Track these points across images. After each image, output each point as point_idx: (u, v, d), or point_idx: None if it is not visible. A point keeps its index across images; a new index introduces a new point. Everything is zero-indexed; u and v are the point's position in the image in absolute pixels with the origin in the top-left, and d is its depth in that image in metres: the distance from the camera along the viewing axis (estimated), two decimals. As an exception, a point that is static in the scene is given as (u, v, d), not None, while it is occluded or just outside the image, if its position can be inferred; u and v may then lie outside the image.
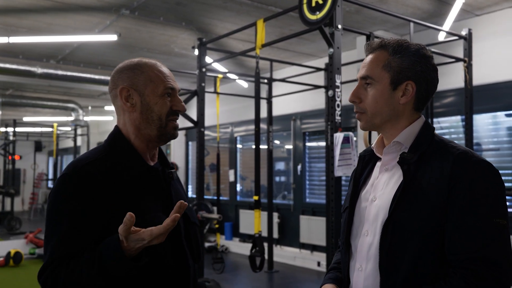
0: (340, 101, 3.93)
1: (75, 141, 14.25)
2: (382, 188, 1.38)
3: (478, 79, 5.62)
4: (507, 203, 1.31)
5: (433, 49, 5.16)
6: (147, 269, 1.34)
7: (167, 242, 1.34)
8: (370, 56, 1.43)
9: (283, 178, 9.37)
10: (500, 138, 5.93)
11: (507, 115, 5.84)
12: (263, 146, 7.41)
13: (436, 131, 1.43)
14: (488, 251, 1.20)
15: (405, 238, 1.27)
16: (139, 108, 1.47)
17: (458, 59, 5.32)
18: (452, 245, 1.24)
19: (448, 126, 6.43)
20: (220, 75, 6.32)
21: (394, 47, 1.39)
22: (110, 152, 1.46)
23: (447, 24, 5.48)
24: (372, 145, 1.50)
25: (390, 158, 1.41)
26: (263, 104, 6.97)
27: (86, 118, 12.75)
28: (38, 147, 16.35)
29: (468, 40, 5.33)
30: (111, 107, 12.47)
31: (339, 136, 3.83)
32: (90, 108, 12.80)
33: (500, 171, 1.31)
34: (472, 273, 1.19)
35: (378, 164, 1.45)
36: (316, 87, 6.90)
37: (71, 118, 11.80)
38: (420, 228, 1.26)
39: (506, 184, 5.55)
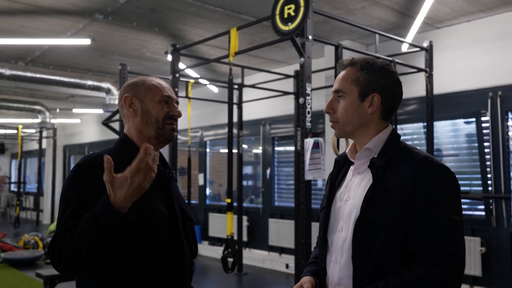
0: (310, 108, 4.12)
1: (40, 143, 14.03)
2: (354, 189, 1.57)
3: (439, 88, 5.94)
4: (464, 206, 1.51)
5: (396, 60, 5.44)
6: (150, 251, 1.55)
7: (167, 230, 1.60)
8: (342, 73, 1.62)
9: (250, 182, 9.53)
10: (459, 144, 6.26)
11: (466, 123, 6.18)
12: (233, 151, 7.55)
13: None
14: (444, 242, 1.39)
15: (374, 233, 1.45)
16: (140, 113, 1.69)
17: (420, 69, 5.62)
18: (414, 238, 1.42)
19: (410, 132, 6.73)
20: (192, 80, 6.45)
21: (362, 64, 1.59)
22: (119, 151, 1.68)
23: (410, 36, 5.78)
24: (346, 151, 1.68)
25: (361, 163, 1.59)
26: (234, 109, 7.12)
27: (54, 121, 12.58)
28: (1, 149, 16.00)
29: (429, 51, 5.64)
30: (79, 110, 12.35)
31: (309, 142, 4.01)
32: (58, 110, 12.65)
33: (459, 176, 1.51)
34: (430, 262, 1.38)
35: (352, 168, 1.64)
36: (286, 93, 7.11)
37: (38, 120, 11.64)
38: (387, 224, 1.44)
39: (463, 188, 5.89)
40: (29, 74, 7.78)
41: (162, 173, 1.71)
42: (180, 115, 1.73)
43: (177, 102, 1.76)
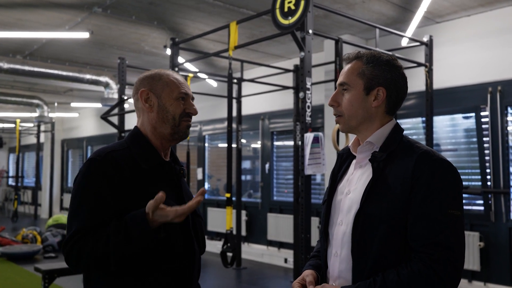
0: (310, 102, 4.11)
1: (38, 137, 14.00)
2: (355, 182, 1.56)
3: (438, 83, 5.93)
4: (463, 200, 1.50)
5: (396, 54, 5.42)
6: (161, 249, 1.54)
7: (178, 229, 1.58)
8: (347, 66, 1.61)
9: (249, 177, 9.52)
10: (458, 139, 6.26)
11: (465, 118, 6.17)
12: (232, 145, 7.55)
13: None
14: (443, 237, 1.38)
15: (373, 227, 1.45)
16: (156, 108, 1.67)
17: (420, 64, 5.61)
18: (413, 232, 1.42)
19: (409, 127, 6.73)
20: (191, 75, 6.43)
21: (368, 57, 1.58)
22: (131, 146, 1.65)
23: (410, 30, 5.76)
24: (349, 145, 1.67)
25: (363, 156, 1.58)
26: (233, 104, 7.10)
27: (52, 115, 12.54)
28: (-1, 143, 15.96)
29: (429, 46, 5.63)
30: (77, 104, 12.33)
31: (309, 136, 4.00)
32: (56, 104, 12.61)
33: (458, 170, 1.49)
34: (428, 257, 1.37)
35: (354, 161, 1.63)
36: (285, 87, 7.09)
37: (36, 114, 11.60)
38: (387, 218, 1.43)
39: (463, 183, 5.88)
40: (27, 68, 7.75)
41: (173, 170, 1.70)
42: (196, 113, 1.72)
43: (193, 98, 1.74)
